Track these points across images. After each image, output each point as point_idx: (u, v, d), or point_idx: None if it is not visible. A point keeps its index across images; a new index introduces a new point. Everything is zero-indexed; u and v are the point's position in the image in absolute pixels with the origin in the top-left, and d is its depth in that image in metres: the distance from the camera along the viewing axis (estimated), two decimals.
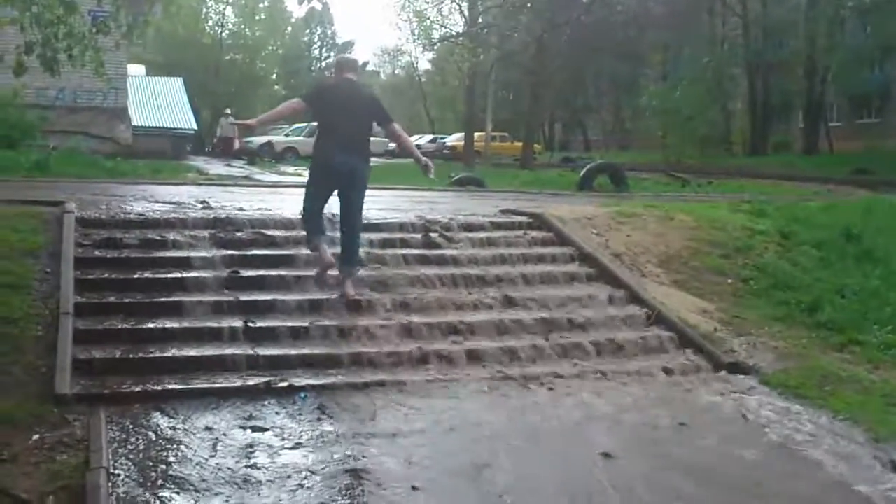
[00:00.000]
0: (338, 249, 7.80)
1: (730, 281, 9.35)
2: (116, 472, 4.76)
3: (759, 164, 37.80)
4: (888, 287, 9.26)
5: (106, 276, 7.33)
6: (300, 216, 8.09)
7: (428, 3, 41.59)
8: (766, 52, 45.15)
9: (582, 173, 20.94)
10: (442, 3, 41.96)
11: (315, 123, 8.04)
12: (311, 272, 7.78)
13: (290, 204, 9.79)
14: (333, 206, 7.93)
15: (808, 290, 9.14)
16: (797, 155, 42.82)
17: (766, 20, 44.92)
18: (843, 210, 12.93)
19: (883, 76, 44.99)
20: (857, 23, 42.91)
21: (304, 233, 8.00)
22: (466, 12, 37.91)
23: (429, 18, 43.80)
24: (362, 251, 8.25)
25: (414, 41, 58.51)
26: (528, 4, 36.53)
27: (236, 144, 30.84)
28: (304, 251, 8.04)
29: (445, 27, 44.42)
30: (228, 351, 6.52)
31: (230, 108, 32.53)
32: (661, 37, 49.14)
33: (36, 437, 5.10)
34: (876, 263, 10.07)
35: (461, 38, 38.25)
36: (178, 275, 7.48)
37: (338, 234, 7.92)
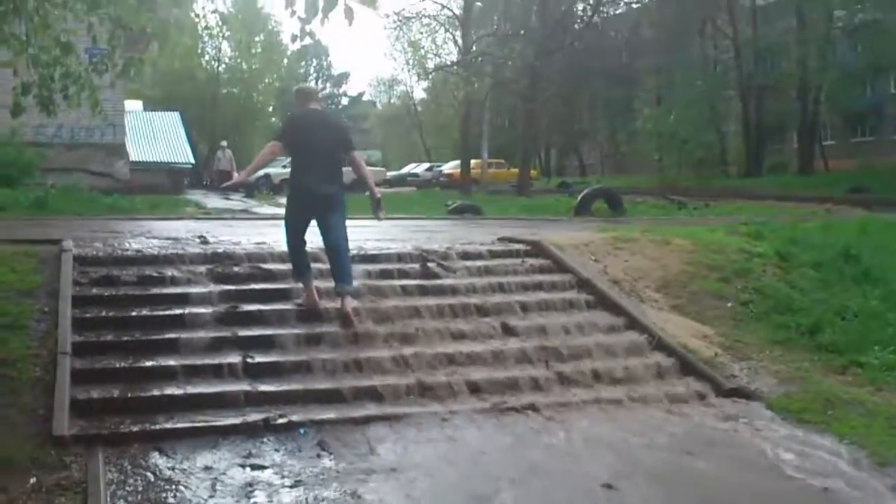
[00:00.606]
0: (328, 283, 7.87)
1: (729, 304, 9.33)
2: None
3: (755, 185, 37.91)
4: (888, 307, 9.24)
5: (104, 314, 7.30)
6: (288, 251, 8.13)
7: (422, 33, 42.09)
8: (758, 74, 45.41)
9: (578, 199, 21.00)
10: (436, 33, 42.47)
11: None
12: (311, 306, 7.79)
13: None
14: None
15: (808, 313, 9.11)
16: (793, 175, 42.95)
17: (757, 42, 45.22)
18: (841, 230, 12.92)
19: (875, 94, 45.28)
20: (848, 42, 43.20)
21: (292, 268, 8.08)
22: (460, 41, 38.25)
23: (423, 48, 44.27)
24: (360, 282, 8.27)
25: (409, 71, 59.13)
26: (521, 32, 36.81)
27: (234, 177, 30.84)
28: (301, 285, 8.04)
29: (440, 56, 44.90)
30: (227, 387, 6.48)
31: (226, 140, 32.50)
32: (653, 61, 49.45)
33: (33, 480, 5.05)
34: (875, 283, 10.05)
35: (455, 67, 38.54)
36: (176, 311, 7.46)
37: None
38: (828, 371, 7.93)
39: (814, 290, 9.84)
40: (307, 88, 9.07)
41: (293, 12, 4.80)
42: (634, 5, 43.96)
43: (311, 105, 8.10)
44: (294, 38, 5.12)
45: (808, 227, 13.12)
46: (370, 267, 8.84)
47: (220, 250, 8.92)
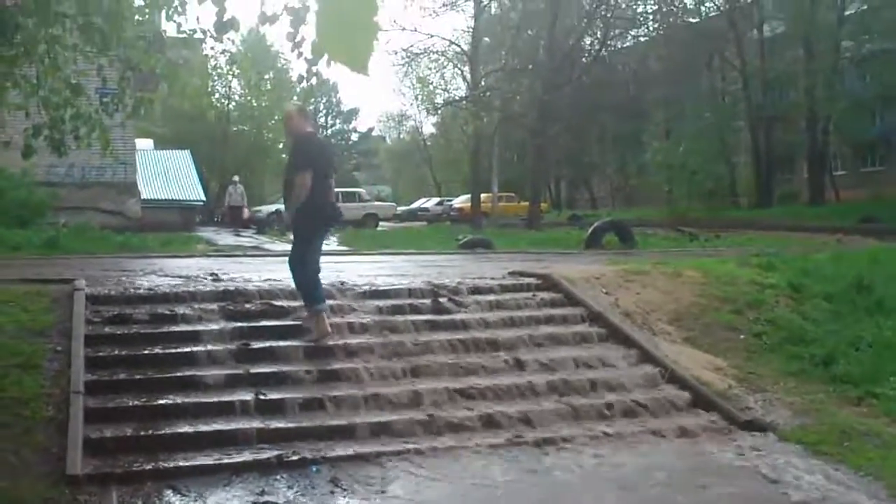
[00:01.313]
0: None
1: (742, 336, 9.30)
2: None
3: (765, 216, 37.89)
4: None
5: (116, 352, 7.33)
6: (301, 280, 8.09)
7: (430, 69, 42.36)
8: (767, 105, 45.50)
9: (589, 232, 21.00)
10: (444, 68, 42.76)
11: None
12: (322, 342, 7.80)
13: None
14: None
15: (822, 344, 9.07)
16: (804, 205, 42.89)
17: (765, 73, 45.37)
18: (853, 260, 12.88)
19: (884, 124, 45.28)
20: (856, 72, 43.32)
21: (310, 295, 8.04)
22: (468, 76, 38.49)
23: (432, 84, 44.55)
24: (373, 318, 8.37)
25: (418, 106, 59.47)
26: (529, 67, 37.05)
27: (246, 214, 31.02)
28: None
29: (448, 92, 45.18)
30: (240, 424, 6.48)
31: (238, 176, 32.63)
32: (661, 93, 49.61)
33: None
34: (888, 314, 9.99)
35: (464, 102, 38.77)
36: (188, 349, 7.48)
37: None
38: (843, 402, 7.87)
39: (827, 321, 9.80)
40: (307, 109, 9.05)
41: (300, 54, 4.86)
42: (642, 38, 44.16)
43: (310, 127, 8.31)
44: (301, 79, 5.19)
45: (820, 258, 13.09)
46: (381, 303, 8.86)
47: (231, 287, 8.96)
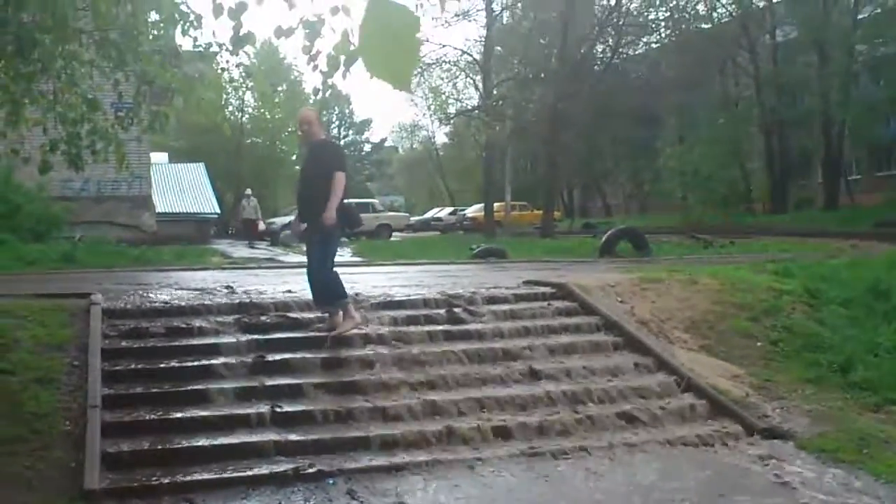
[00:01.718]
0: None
1: (759, 344, 9.25)
2: None
3: (780, 221, 37.71)
4: None
5: (133, 366, 7.36)
6: (328, 279, 8.25)
7: (443, 79, 42.38)
8: (780, 110, 45.31)
9: (603, 240, 20.95)
10: (456, 78, 42.77)
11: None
12: (337, 354, 7.82)
13: None
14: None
15: (839, 350, 9.01)
16: (819, 210, 42.67)
17: (778, 78, 45.21)
18: (869, 266, 12.80)
19: None
20: (870, 76, 43.11)
21: (335, 292, 8.24)
22: (481, 86, 38.50)
23: (444, 94, 44.58)
24: (388, 329, 8.38)
25: (430, 116, 59.52)
26: (542, 75, 37.06)
27: (260, 226, 31.10)
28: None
29: (461, 101, 45.19)
30: (256, 437, 6.49)
31: (250, 188, 32.75)
32: (674, 100, 49.49)
33: None
34: None
35: (477, 112, 38.81)
36: (205, 362, 7.50)
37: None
38: (861, 409, 7.82)
39: (844, 328, 9.73)
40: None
41: (315, 66, 4.89)
42: (654, 45, 44.11)
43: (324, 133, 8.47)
44: (316, 92, 5.21)
45: (836, 264, 13.02)
46: (396, 313, 8.86)
47: (246, 300, 8.99)
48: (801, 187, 48.81)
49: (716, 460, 6.78)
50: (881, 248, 18.30)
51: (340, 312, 8.18)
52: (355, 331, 8.17)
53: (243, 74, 9.29)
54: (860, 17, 41.16)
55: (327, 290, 8.20)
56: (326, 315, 8.33)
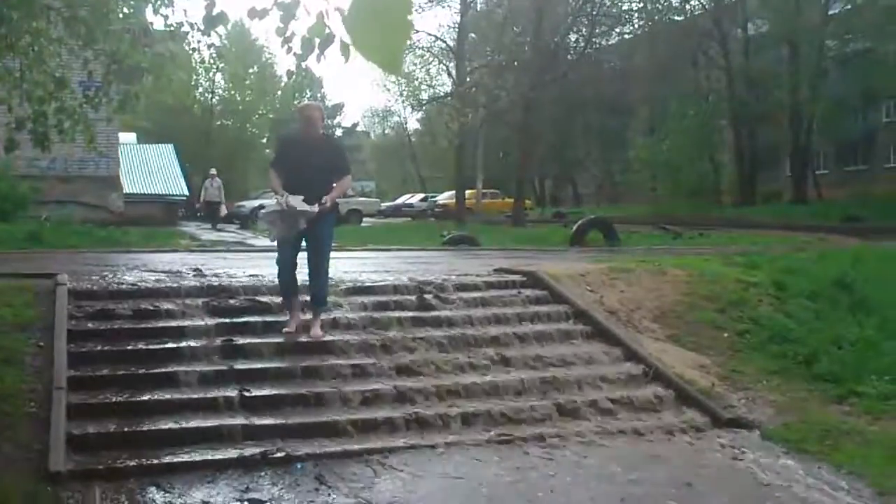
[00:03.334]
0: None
1: (726, 335, 9.33)
2: None
3: (749, 214, 38.10)
4: (884, 337, 9.25)
5: (99, 348, 7.28)
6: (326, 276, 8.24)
7: (415, 64, 42.19)
8: (750, 104, 45.71)
9: (574, 229, 21.03)
10: (429, 64, 42.61)
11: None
12: (305, 337, 7.80)
13: None
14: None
15: (805, 342, 9.11)
16: (787, 204, 43.15)
17: (749, 72, 45.56)
18: (835, 260, 12.95)
19: (866, 123, 45.62)
20: (840, 72, 43.58)
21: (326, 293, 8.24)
22: (454, 72, 38.39)
23: (417, 79, 44.41)
24: (358, 314, 8.35)
25: (403, 102, 59.32)
26: (515, 63, 37.02)
27: (223, 210, 30.29)
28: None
29: (433, 88, 45.02)
30: (224, 421, 6.45)
31: (215, 168, 31.78)
32: (646, 91, 49.78)
33: None
34: (870, 313, 10.06)
35: (449, 98, 38.74)
36: (172, 345, 7.44)
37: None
38: (825, 401, 7.93)
39: (810, 320, 9.85)
40: None
41: (290, 49, 4.83)
42: (627, 36, 44.25)
43: None
44: (291, 75, 5.16)
45: (803, 257, 13.16)
46: (367, 299, 8.84)
47: (215, 283, 8.91)
48: (769, 181, 49.29)
49: (682, 449, 6.84)
50: (848, 243, 18.53)
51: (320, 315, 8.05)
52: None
53: (214, 55, 9.19)
54: (831, 12, 41.57)
55: (324, 286, 8.14)
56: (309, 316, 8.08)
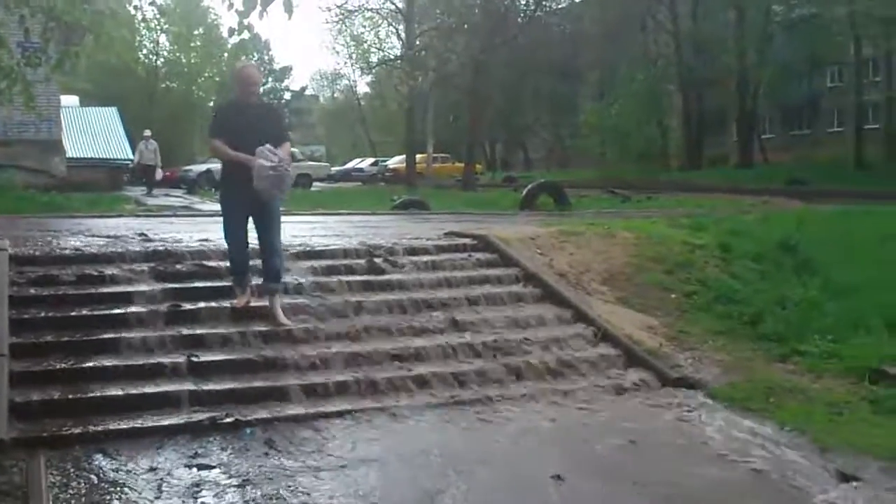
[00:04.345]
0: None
1: (673, 296, 9.44)
2: None
3: (696, 177, 38.51)
4: (826, 297, 9.42)
5: (42, 314, 7.12)
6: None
7: (365, 27, 41.91)
8: (698, 68, 46.09)
9: (524, 193, 21.10)
10: (378, 26, 42.29)
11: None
12: (259, 303, 7.71)
13: None
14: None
15: (750, 303, 9.26)
16: (733, 168, 43.72)
17: (697, 36, 45.88)
18: (779, 222, 13.16)
19: (811, 89, 46.29)
20: (786, 37, 44.09)
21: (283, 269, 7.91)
22: (403, 35, 38.14)
23: (366, 42, 44.07)
24: (307, 278, 8.27)
25: (352, 65, 58.83)
26: (465, 26, 36.83)
27: (158, 174, 29.49)
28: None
29: (383, 51, 44.76)
30: (172, 387, 6.37)
31: (149, 130, 30.78)
32: (596, 55, 49.93)
33: None
34: (814, 273, 10.24)
35: (399, 62, 38.48)
36: (118, 311, 7.31)
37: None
38: (770, 360, 8.07)
39: (755, 281, 10.00)
40: None
41: (231, 5, 4.72)
42: (577, 0, 44.28)
43: None
44: (231, 32, 5.02)
45: (748, 220, 13.35)
46: (316, 263, 8.76)
47: (161, 248, 8.76)
48: (716, 145, 49.93)
49: (630, 408, 6.92)
50: (792, 205, 18.85)
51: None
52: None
53: (157, 14, 8.97)
54: None
55: (280, 262, 7.77)
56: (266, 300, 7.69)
